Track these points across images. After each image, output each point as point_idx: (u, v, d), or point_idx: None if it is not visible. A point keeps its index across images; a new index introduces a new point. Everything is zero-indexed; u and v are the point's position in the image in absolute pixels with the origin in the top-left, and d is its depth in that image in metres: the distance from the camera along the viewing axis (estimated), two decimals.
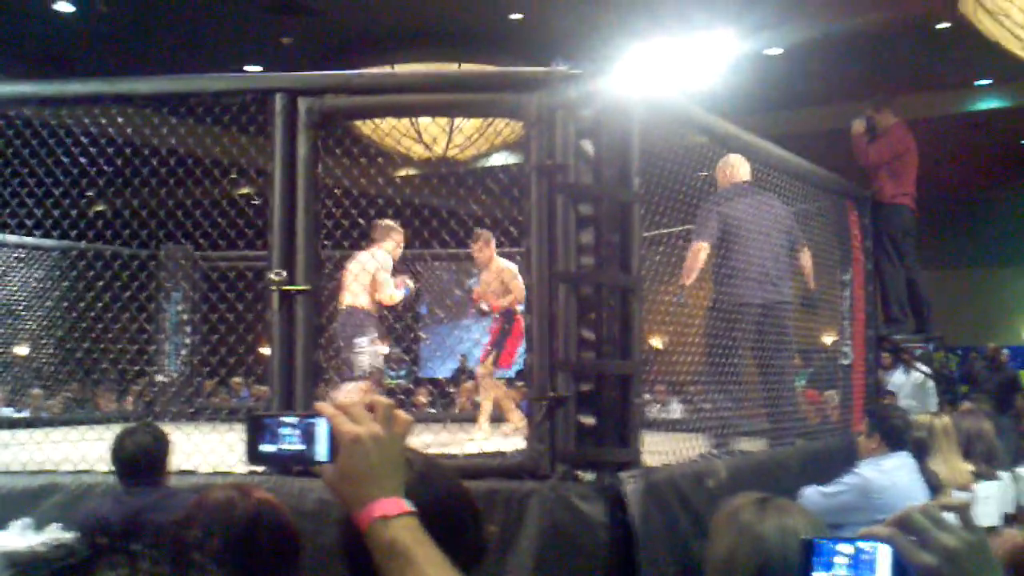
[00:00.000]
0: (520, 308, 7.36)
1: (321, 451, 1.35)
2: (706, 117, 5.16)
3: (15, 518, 4.08)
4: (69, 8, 10.99)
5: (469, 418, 8.25)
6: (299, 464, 1.39)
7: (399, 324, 8.91)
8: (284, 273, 4.20)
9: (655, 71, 8.88)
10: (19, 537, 3.96)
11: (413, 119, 10.88)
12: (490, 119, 10.62)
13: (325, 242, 4.62)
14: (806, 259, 6.28)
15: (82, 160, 5.10)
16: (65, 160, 5.09)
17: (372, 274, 6.98)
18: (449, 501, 1.76)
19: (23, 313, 8.05)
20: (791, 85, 14.01)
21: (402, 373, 12.60)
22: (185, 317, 8.92)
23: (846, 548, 1.26)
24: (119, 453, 4.00)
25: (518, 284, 7.29)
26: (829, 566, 1.27)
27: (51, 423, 6.84)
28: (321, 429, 1.35)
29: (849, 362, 6.98)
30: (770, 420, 5.73)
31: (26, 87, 4.96)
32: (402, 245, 7.41)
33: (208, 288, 8.14)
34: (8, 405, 9.32)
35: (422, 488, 1.77)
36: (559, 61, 4.19)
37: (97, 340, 7.28)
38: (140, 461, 3.97)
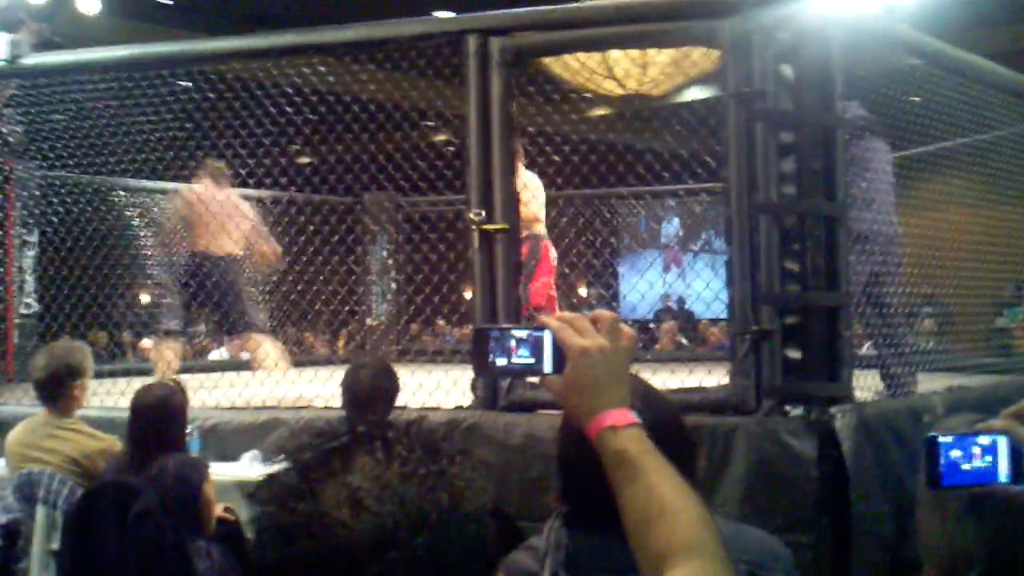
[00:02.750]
0: (542, 230, 6.50)
1: (547, 363, 1.36)
2: (913, 35, 4.85)
3: (244, 451, 4.38)
4: None
5: (673, 357, 8.14)
6: (528, 375, 1.41)
7: (597, 260, 8.85)
8: (483, 213, 4.26)
9: None
10: (248, 468, 4.24)
11: (605, 55, 10.75)
12: (685, 50, 10.36)
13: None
14: None
15: (287, 111, 5.30)
16: (272, 111, 5.30)
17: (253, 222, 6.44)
18: (668, 427, 1.75)
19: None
20: None
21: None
22: (390, 261, 9.21)
23: (966, 442, 1.30)
24: (354, 386, 3.87)
25: (526, 199, 6.02)
26: (950, 460, 1.31)
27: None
28: (547, 342, 1.36)
29: None
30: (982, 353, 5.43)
31: (230, 42, 5.20)
32: None
33: (411, 231, 8.37)
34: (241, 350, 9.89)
35: (644, 410, 1.78)
36: None
37: (309, 285, 7.60)
38: (374, 396, 3.82)
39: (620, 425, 1.31)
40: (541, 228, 6.48)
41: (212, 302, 6.15)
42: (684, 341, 12.21)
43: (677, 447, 1.75)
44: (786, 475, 3.57)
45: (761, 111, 3.89)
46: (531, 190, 6.25)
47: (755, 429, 3.67)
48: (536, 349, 1.36)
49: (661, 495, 1.27)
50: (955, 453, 1.32)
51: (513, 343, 1.37)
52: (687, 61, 11.28)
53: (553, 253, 6.55)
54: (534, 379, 1.44)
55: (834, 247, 3.91)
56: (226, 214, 6.11)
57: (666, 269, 11.44)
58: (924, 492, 1.52)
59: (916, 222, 5.44)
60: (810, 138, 3.89)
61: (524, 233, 6.02)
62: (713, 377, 4.30)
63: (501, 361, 1.37)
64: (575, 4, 4.56)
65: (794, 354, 3.80)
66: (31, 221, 6.59)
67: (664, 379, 4.32)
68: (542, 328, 1.36)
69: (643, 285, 5.79)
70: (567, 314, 1.37)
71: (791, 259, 3.83)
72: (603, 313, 1.38)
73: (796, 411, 3.74)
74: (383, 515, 1.00)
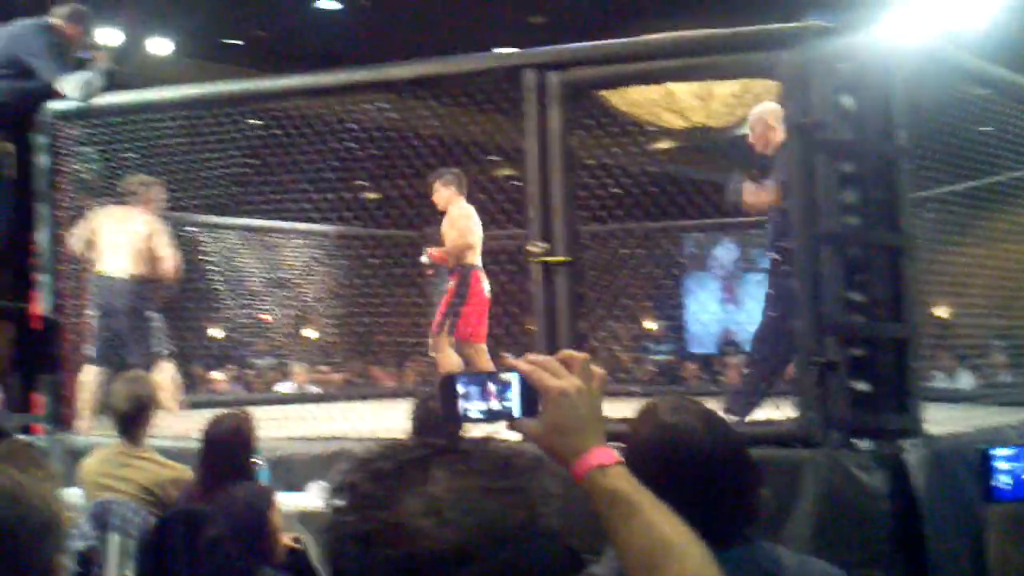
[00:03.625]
0: (476, 261, 6.42)
1: (516, 407, 1.34)
2: (979, 64, 4.81)
3: (311, 481, 4.43)
4: (335, 5, 11.65)
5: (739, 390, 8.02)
6: (498, 420, 1.37)
7: (662, 295, 8.80)
8: (544, 245, 4.29)
9: (919, 19, 8.37)
10: (315, 498, 4.28)
11: (667, 89, 10.79)
12: (747, 83, 10.36)
13: (582, 214, 4.67)
14: None
15: (352, 147, 5.40)
16: (337, 147, 5.41)
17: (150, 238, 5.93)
18: (731, 449, 1.76)
19: (308, 295, 8.61)
20: None
21: (661, 348, 12.54)
22: None
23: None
24: (424, 417, 3.82)
25: (456, 230, 6.32)
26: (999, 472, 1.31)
27: (336, 398, 7.30)
28: (515, 385, 1.34)
29: None
30: None
31: (297, 80, 5.31)
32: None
33: None
34: (308, 383, 10.04)
35: (707, 433, 1.78)
36: (813, 15, 4.05)
37: (373, 318, 7.69)
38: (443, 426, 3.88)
39: (607, 464, 1.30)
40: (475, 258, 6.48)
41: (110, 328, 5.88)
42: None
43: (739, 474, 1.76)
44: (857, 510, 3.53)
45: (821, 141, 3.88)
46: (471, 221, 6.41)
47: (823, 462, 3.63)
48: (505, 394, 1.35)
49: (663, 534, 1.26)
50: (1011, 466, 1.31)
51: (481, 389, 1.35)
52: (749, 95, 11.27)
53: (485, 284, 6.53)
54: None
55: (900, 277, 3.88)
56: (120, 230, 5.84)
57: (729, 302, 11.37)
58: (993, 512, 1.50)
59: (987, 254, 5.36)
60: (872, 168, 3.88)
61: (454, 264, 6.29)
62: (780, 411, 4.26)
63: (469, 408, 1.36)
64: (632, 39, 4.60)
65: (861, 386, 3.76)
66: None
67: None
68: (509, 371, 1.35)
69: (706, 317, 5.76)
70: (536, 356, 1.35)
71: (856, 290, 3.81)
72: (573, 353, 1.37)
73: (865, 444, 3.70)
74: (465, 527, 1.00)
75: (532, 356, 1.35)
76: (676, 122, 11.38)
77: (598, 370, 1.36)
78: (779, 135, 5.30)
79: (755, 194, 4.89)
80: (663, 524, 1.27)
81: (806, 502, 3.57)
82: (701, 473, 1.71)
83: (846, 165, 3.89)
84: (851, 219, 3.86)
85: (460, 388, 1.36)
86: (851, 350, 3.77)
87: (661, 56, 4.49)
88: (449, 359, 6.39)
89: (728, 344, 13.53)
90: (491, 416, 1.36)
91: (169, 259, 5.95)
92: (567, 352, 1.37)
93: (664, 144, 12.40)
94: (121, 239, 5.85)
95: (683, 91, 11.06)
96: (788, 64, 3.98)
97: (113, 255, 5.84)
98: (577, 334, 4.27)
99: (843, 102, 3.91)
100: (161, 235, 5.96)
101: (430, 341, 6.60)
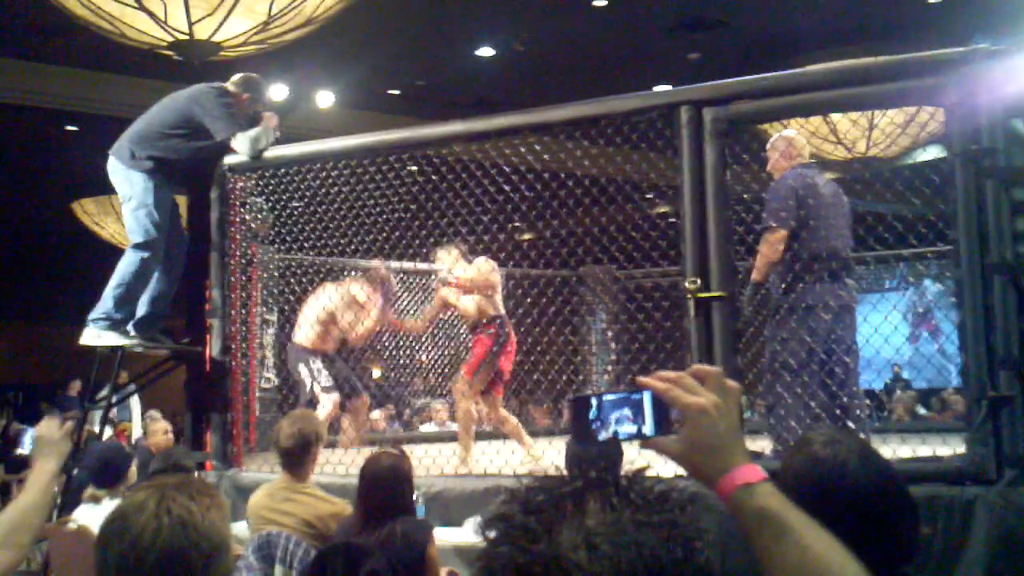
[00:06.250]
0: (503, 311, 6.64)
1: (649, 426, 1.33)
2: None
3: (467, 517, 4.48)
4: (490, 52, 11.88)
5: (908, 429, 7.74)
6: (631, 440, 1.35)
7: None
8: (699, 281, 4.25)
9: None
10: (471, 534, 4.33)
11: (828, 121, 10.56)
12: (911, 113, 10.06)
13: (739, 248, 4.61)
14: None
15: (506, 189, 5.48)
16: (492, 190, 5.49)
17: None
18: (886, 484, 1.70)
19: (464, 335, 8.74)
20: None
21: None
22: (610, 334, 9.25)
23: None
24: (581, 454, 3.89)
25: (494, 283, 6.57)
26: None
27: (493, 436, 7.35)
28: (647, 404, 1.32)
29: None
30: None
31: (455, 126, 5.43)
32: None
33: (627, 302, 8.38)
34: (452, 419, 10.18)
35: (861, 467, 1.73)
36: (979, 39, 3.90)
37: (529, 356, 7.73)
38: (600, 464, 3.93)
39: (754, 481, 1.26)
40: (503, 309, 6.68)
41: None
42: (923, 411, 11.61)
43: (894, 510, 1.70)
44: None
45: (991, 168, 3.74)
46: (495, 276, 6.59)
47: (997, 501, 3.45)
48: (637, 413, 1.33)
49: (817, 554, 1.21)
50: None
51: (614, 409, 1.33)
52: (913, 124, 10.93)
53: (512, 334, 6.71)
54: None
55: None
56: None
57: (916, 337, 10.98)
58: None
59: None
60: None
61: (494, 314, 6.49)
62: (947, 447, 4.08)
63: (604, 427, 1.34)
64: (787, 71, 4.53)
65: None
66: (271, 300, 7.04)
67: (894, 449, 4.13)
68: (641, 390, 1.32)
69: (886, 351, 5.50)
70: (669, 373, 1.32)
71: None
72: (707, 368, 1.34)
73: None
74: (621, 561, 0.99)
75: (664, 373, 1.33)
76: (838, 153, 11.13)
77: (733, 384, 1.33)
78: (783, 165, 5.18)
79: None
80: (817, 543, 1.22)
81: (978, 542, 3.39)
82: (852, 508, 1.66)
83: (1019, 192, 3.73)
84: None
85: (591, 407, 1.35)
86: None
87: (819, 87, 4.41)
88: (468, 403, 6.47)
89: (895, 380, 13.06)
90: (625, 437, 1.35)
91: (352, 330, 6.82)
92: (700, 367, 1.34)
93: (829, 176, 12.12)
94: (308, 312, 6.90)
95: (846, 125, 10.83)
96: (954, 89, 3.85)
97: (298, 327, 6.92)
98: (733, 369, 4.20)
99: (1014, 126, 3.76)
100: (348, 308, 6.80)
101: (457, 385, 6.64)
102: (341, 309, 6.88)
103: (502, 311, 6.64)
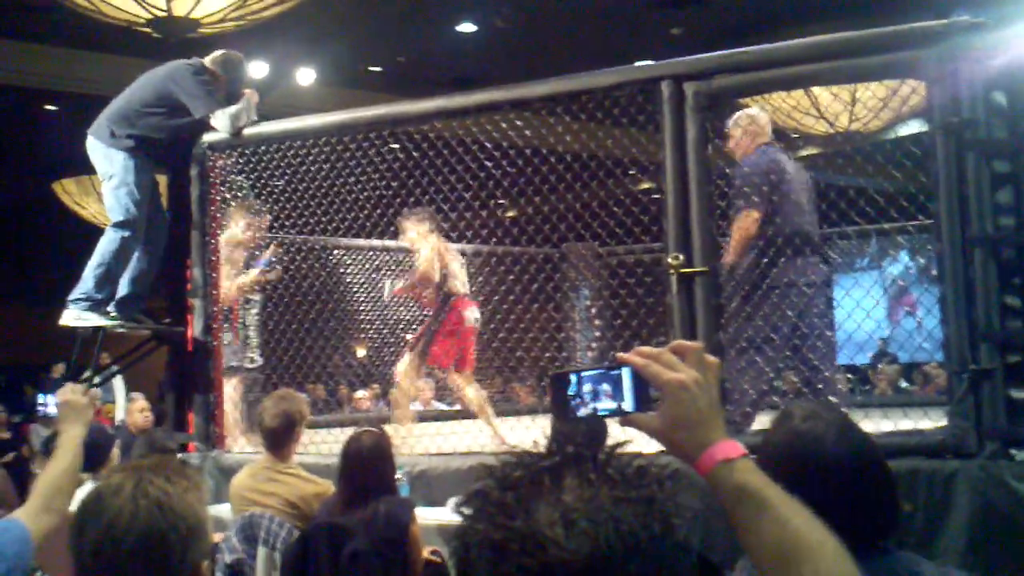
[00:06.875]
0: (459, 288, 6.58)
1: (629, 402, 1.31)
2: None
3: (451, 496, 4.47)
4: (471, 28, 11.82)
5: (891, 403, 7.77)
6: (611, 416, 1.34)
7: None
8: (681, 256, 4.24)
9: None
10: (454, 513, 4.32)
11: (810, 94, 10.54)
12: (894, 87, 10.04)
13: (721, 223, 4.59)
14: None
15: (487, 166, 5.45)
16: (473, 167, 5.46)
17: None
18: (864, 458, 1.70)
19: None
20: None
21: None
22: (593, 311, 9.25)
23: None
24: (568, 432, 4.04)
25: (447, 260, 6.52)
26: None
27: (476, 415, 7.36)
28: (626, 380, 1.31)
29: None
30: None
31: (434, 102, 5.39)
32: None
33: (610, 279, 8.38)
34: (439, 399, 10.18)
35: (839, 441, 1.73)
36: (960, 11, 3.89)
37: (513, 334, 7.73)
38: (588, 442, 3.97)
39: (734, 457, 1.25)
40: (458, 286, 6.59)
41: None
42: (905, 385, 11.68)
43: (873, 484, 1.70)
44: (1016, 523, 3.35)
45: (971, 141, 3.73)
46: (449, 252, 6.60)
47: (978, 474, 3.47)
48: (616, 389, 1.31)
49: (796, 529, 1.21)
50: None
51: (592, 385, 1.32)
52: (896, 99, 10.93)
53: (471, 313, 6.65)
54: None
55: None
56: None
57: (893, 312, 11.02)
58: None
59: None
60: None
61: (430, 293, 6.47)
62: (929, 420, 4.10)
63: (582, 404, 1.32)
64: (769, 45, 4.50)
65: (1019, 394, 3.58)
66: None
67: (876, 423, 4.14)
68: (619, 366, 1.31)
69: (868, 324, 5.51)
70: (649, 349, 1.31)
71: (1011, 294, 3.64)
72: (687, 343, 1.32)
73: (1022, 455, 3.52)
74: (598, 537, 0.98)
75: (644, 349, 1.31)
76: (819, 127, 11.12)
77: (712, 359, 1.32)
78: (746, 144, 5.17)
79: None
80: (795, 518, 1.22)
81: (960, 515, 3.41)
82: (831, 481, 1.66)
83: (999, 164, 3.73)
84: (1005, 220, 3.69)
85: (570, 384, 1.33)
86: (1007, 356, 3.59)
87: (800, 60, 4.38)
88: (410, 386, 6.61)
89: (879, 355, 13.11)
90: (602, 412, 1.34)
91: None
92: (680, 342, 1.32)
93: (809, 151, 12.13)
94: None
95: (828, 99, 10.82)
96: (935, 62, 3.84)
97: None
98: (716, 345, 4.20)
99: (995, 99, 3.75)
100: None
101: (398, 367, 6.71)
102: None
103: (457, 291, 6.61)
